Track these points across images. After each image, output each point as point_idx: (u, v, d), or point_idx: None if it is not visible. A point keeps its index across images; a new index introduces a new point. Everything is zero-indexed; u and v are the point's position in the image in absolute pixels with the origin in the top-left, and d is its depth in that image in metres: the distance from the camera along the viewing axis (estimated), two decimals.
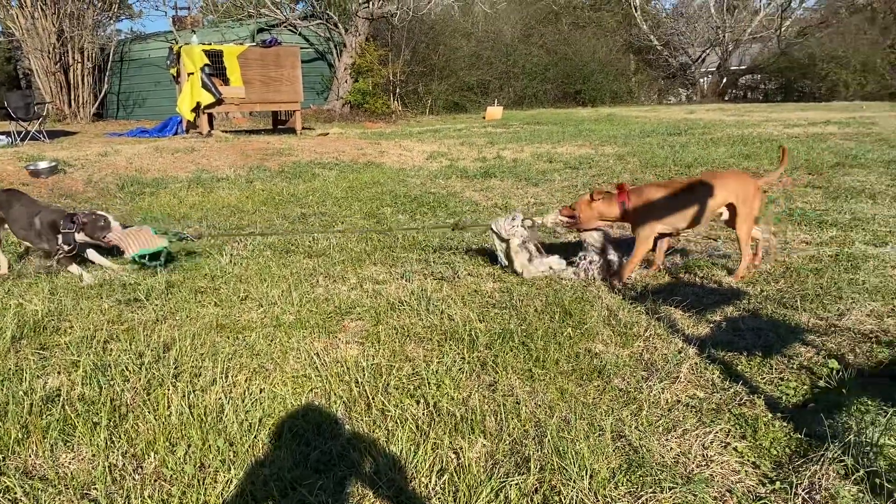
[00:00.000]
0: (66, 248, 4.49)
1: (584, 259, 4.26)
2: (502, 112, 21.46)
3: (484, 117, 21.11)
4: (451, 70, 25.44)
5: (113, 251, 4.66)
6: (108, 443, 2.37)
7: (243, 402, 2.63)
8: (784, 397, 2.60)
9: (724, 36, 33.29)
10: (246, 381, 2.81)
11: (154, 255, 4.54)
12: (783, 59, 31.02)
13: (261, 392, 2.71)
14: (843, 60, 27.43)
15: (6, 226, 4.77)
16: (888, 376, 2.71)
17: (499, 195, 7.38)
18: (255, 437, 2.39)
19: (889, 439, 2.21)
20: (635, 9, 33.33)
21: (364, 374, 2.83)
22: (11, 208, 4.68)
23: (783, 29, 32.48)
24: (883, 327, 3.24)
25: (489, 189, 7.81)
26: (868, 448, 2.14)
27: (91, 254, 4.68)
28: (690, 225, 4.11)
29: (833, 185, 6.95)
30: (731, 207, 4.01)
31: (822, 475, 2.06)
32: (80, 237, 4.52)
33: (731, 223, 4.08)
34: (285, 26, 22.87)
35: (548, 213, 4.57)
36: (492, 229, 4.39)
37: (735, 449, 2.28)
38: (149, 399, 2.67)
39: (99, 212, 4.65)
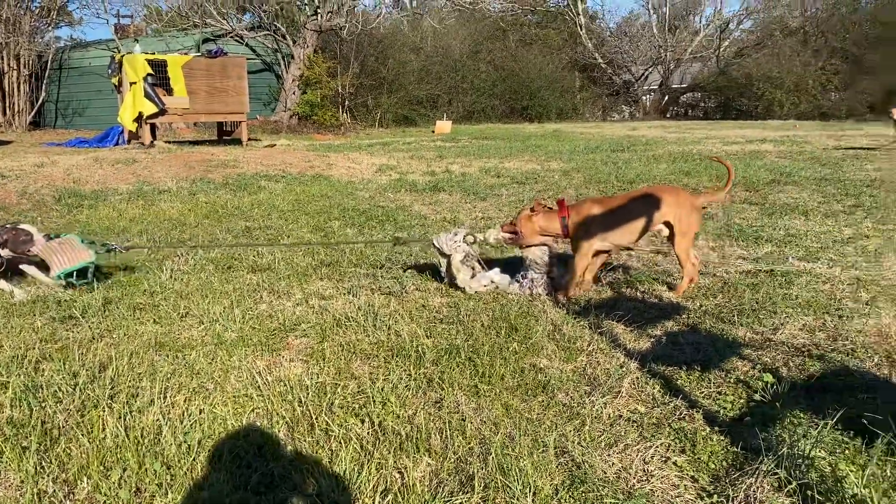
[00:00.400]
0: None
1: (528, 275, 4.30)
2: (451, 126, 21.60)
3: (433, 131, 21.21)
4: (401, 84, 25.52)
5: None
6: (38, 468, 2.28)
7: (182, 423, 2.56)
8: (721, 411, 2.67)
9: (665, 55, 34.28)
10: (185, 401, 2.74)
11: (82, 271, 4.39)
12: (722, 78, 32.15)
13: (200, 413, 2.64)
14: (777, 81, 28.56)
15: None
16: (820, 389, 2.80)
17: (447, 209, 7.40)
18: (193, 459, 2.33)
19: (820, 452, 2.29)
20: (580, 27, 34.06)
21: (308, 393, 2.79)
22: None
23: (722, 49, 33.66)
24: (814, 341, 3.36)
25: (438, 203, 7.84)
26: (800, 461, 2.21)
27: (28, 269, 4.49)
28: (629, 241, 4.19)
29: (768, 202, 7.19)
30: (669, 225, 4.09)
31: (757, 488, 2.11)
32: (4, 253, 4.33)
33: (670, 240, 4.17)
34: (232, 37, 22.60)
35: (490, 228, 4.61)
36: (434, 245, 4.41)
37: (675, 463, 2.32)
38: (83, 421, 2.57)
39: (22, 225, 4.45)
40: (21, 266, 4.49)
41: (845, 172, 9.32)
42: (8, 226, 4.46)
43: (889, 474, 2.18)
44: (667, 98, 35.41)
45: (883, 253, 4.98)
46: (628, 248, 4.54)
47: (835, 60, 29.11)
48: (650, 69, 35.93)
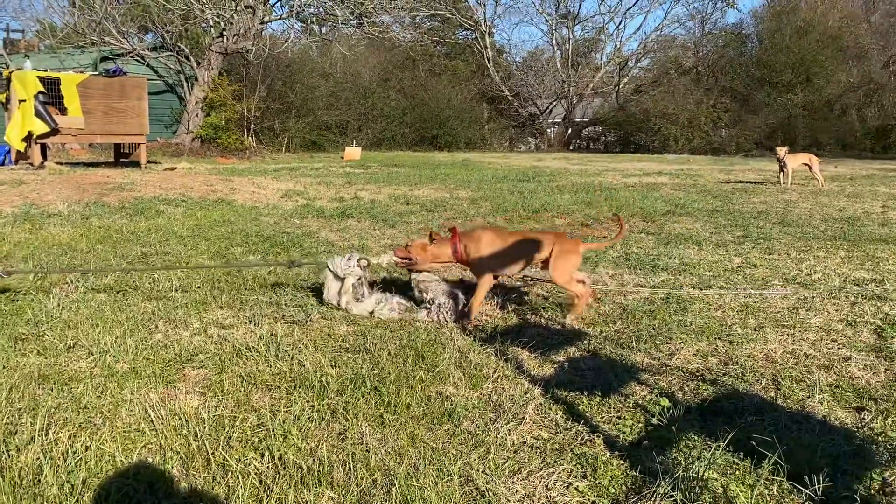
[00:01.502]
0: None
1: (437, 301, 4.32)
2: (361, 153, 21.57)
3: (342, 157, 21.10)
4: (309, 109, 25.33)
5: None
6: None
7: (65, 461, 2.39)
8: (621, 435, 2.73)
9: (569, 90, 35.61)
10: (70, 437, 2.56)
11: None
12: (621, 113, 33.68)
13: (86, 450, 2.48)
14: (672, 117, 30.16)
15: None
16: (712, 412, 2.92)
17: (356, 236, 7.34)
18: (76, 500, 2.17)
19: (713, 473, 2.37)
20: (488, 60, 34.93)
21: (204, 427, 2.67)
22: None
23: (621, 86, 35.29)
24: (707, 366, 3.51)
25: (346, 229, 7.77)
26: (695, 482, 2.28)
27: None
28: (516, 270, 4.47)
29: (664, 232, 7.52)
30: (547, 262, 4.37)
31: None
32: None
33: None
34: (132, 56, 21.86)
35: (384, 253, 4.70)
36: (328, 268, 4.43)
37: (577, 489, 2.35)
38: None
39: None
40: None
41: (734, 204, 9.89)
42: None
43: (775, 493, 2.28)
44: (570, 131, 36.71)
45: (769, 281, 5.28)
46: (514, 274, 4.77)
47: (725, 99, 31.09)
48: (554, 103, 37.20)
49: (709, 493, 2.26)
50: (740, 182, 13.58)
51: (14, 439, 2.54)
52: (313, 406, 2.93)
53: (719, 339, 3.91)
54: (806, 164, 12.76)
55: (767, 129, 29.71)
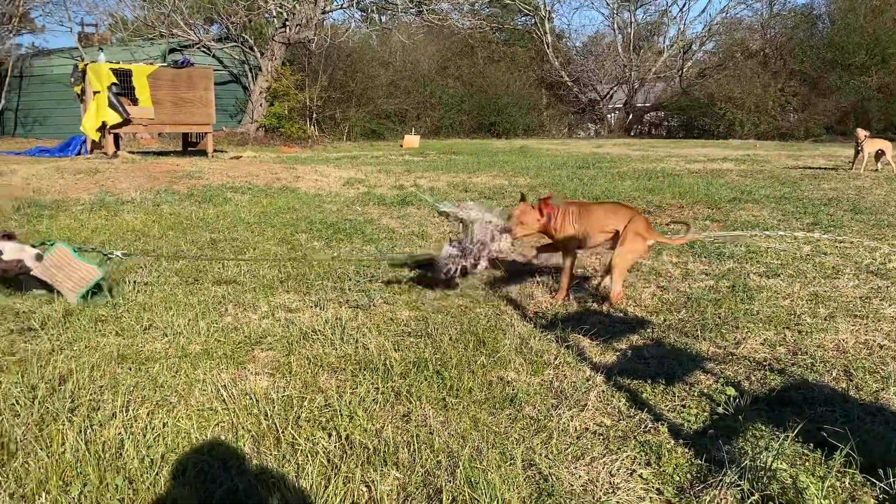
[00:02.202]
0: None
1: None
2: (419, 141, 21.66)
3: (401, 145, 21.24)
4: (369, 97, 25.54)
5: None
6: None
7: (145, 437, 2.52)
8: (686, 424, 2.71)
9: (630, 74, 34.89)
10: (148, 414, 2.69)
11: (95, 288, 4.28)
12: (684, 98, 32.81)
13: (164, 426, 2.60)
14: (738, 101, 29.22)
15: None
16: (780, 402, 2.86)
17: (415, 223, 7.41)
18: (156, 474, 2.28)
19: (781, 464, 2.33)
20: (547, 46, 34.52)
21: (274, 407, 2.77)
22: None
23: (685, 70, 34.38)
24: (775, 355, 3.43)
25: (406, 217, 7.84)
26: (762, 472, 2.25)
27: None
28: (599, 242, 4.51)
29: (730, 220, 7.34)
30: (616, 237, 4.36)
31: (721, 499, 2.15)
32: None
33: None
34: (199, 48, 22.43)
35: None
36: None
37: (640, 476, 2.34)
38: (41, 435, 2.51)
39: (6, 253, 4.19)
40: None
41: (803, 191, 9.57)
42: None
43: (847, 485, 2.23)
44: (631, 116, 36.00)
45: (840, 270, 5.11)
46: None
47: (793, 82, 29.94)
48: (615, 88, 36.53)
49: (777, 483, 2.23)
50: (809, 168, 13.11)
51: (97, 415, 2.68)
52: (378, 388, 2.99)
53: (788, 328, 3.81)
54: (882, 151, 12.22)
55: (839, 114, 28.53)
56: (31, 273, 4.25)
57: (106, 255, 4.70)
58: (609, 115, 36.77)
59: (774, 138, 26.62)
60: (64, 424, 2.57)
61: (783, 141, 24.82)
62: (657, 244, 4.69)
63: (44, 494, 2.17)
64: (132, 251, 5.78)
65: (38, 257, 4.24)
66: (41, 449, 2.41)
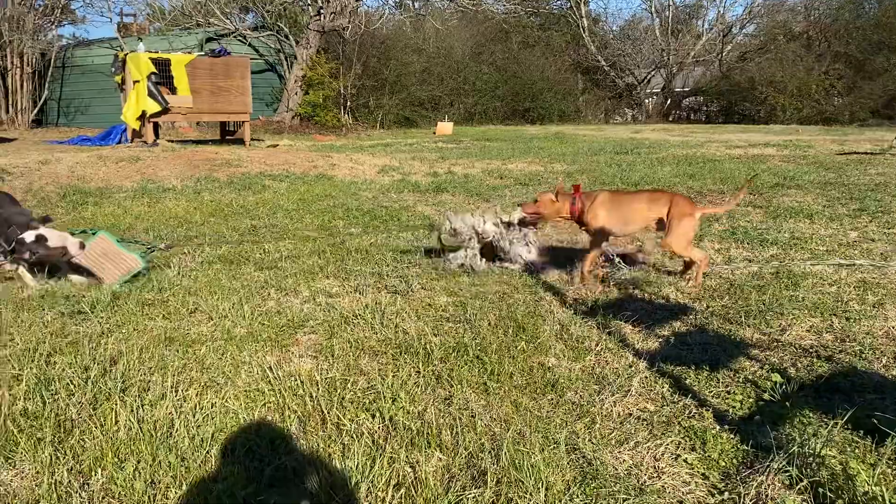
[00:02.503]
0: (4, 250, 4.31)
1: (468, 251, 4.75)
2: (453, 128, 21.62)
3: (434, 132, 21.23)
4: (403, 85, 25.52)
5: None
6: (53, 459, 2.29)
7: (194, 416, 2.57)
8: (731, 410, 2.68)
9: (668, 58, 34.29)
10: (197, 395, 2.75)
11: (135, 277, 4.40)
12: (724, 82, 32.12)
13: (212, 407, 2.66)
14: (780, 85, 28.53)
15: None
16: (828, 390, 2.81)
17: (451, 209, 7.41)
18: (206, 452, 2.34)
19: (830, 451, 2.30)
20: (583, 30, 34.09)
21: (318, 389, 2.81)
22: None
23: (724, 53, 33.67)
24: (822, 342, 3.37)
25: (441, 204, 7.85)
26: (811, 459, 2.22)
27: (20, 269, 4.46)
28: (629, 231, 4.58)
29: (773, 205, 7.20)
30: (661, 223, 4.38)
31: (769, 485, 2.13)
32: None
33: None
34: (235, 36, 22.62)
35: (514, 210, 4.93)
36: (475, 230, 4.76)
37: (685, 461, 2.33)
38: (95, 414, 2.59)
39: (51, 239, 4.30)
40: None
41: (849, 176, 9.34)
42: (34, 239, 4.28)
43: None
44: (669, 101, 35.43)
45: (888, 256, 4.99)
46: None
47: (838, 65, 29.11)
48: (653, 72, 35.94)
49: (826, 470, 2.20)
50: (855, 153, 12.78)
51: (147, 395, 2.75)
52: (419, 371, 3.02)
53: (834, 315, 3.74)
54: None
55: (886, 97, 27.67)
56: (74, 260, 4.36)
57: (149, 247, 4.81)
58: (646, 101, 36.23)
59: (818, 123, 25.97)
60: (116, 404, 2.64)
61: (827, 126, 24.21)
62: (704, 216, 4.73)
63: (99, 470, 2.23)
64: (175, 238, 5.89)
65: (81, 245, 4.36)
66: (95, 427, 2.49)
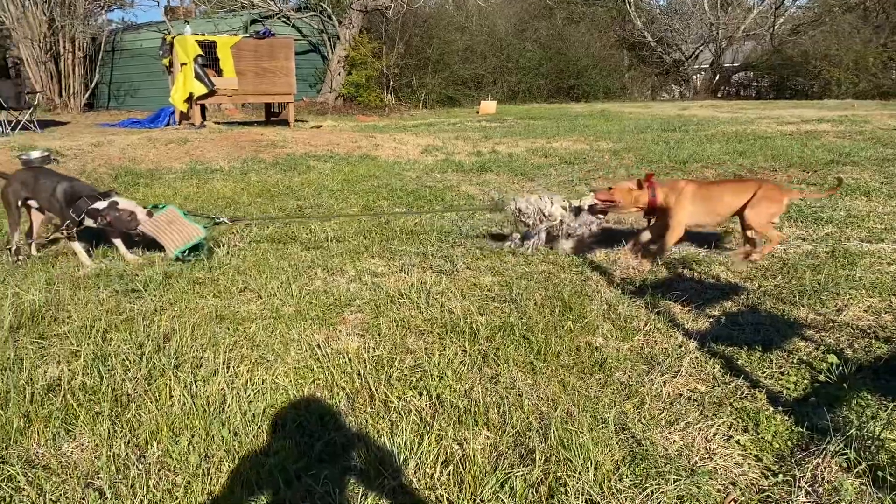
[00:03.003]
0: (74, 221, 4.46)
1: (534, 235, 4.69)
2: (496, 106, 21.44)
3: (478, 111, 21.09)
4: (445, 64, 25.37)
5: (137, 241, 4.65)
6: (111, 432, 2.36)
7: (245, 392, 2.63)
8: (785, 391, 2.62)
9: (717, 33, 33.37)
10: (248, 371, 2.80)
11: (194, 247, 4.51)
12: (776, 56, 31.11)
13: (263, 383, 2.70)
14: (835, 58, 27.53)
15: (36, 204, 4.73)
16: (888, 371, 2.73)
17: (495, 189, 7.37)
18: (258, 427, 2.39)
19: (890, 433, 2.23)
20: (629, 4, 33.34)
21: (366, 366, 2.83)
22: (37, 182, 4.63)
23: (776, 26, 32.59)
24: (880, 323, 3.27)
25: (485, 183, 7.81)
26: (870, 441, 2.16)
27: (117, 242, 4.65)
28: (714, 223, 4.48)
29: (827, 183, 6.98)
30: (744, 208, 4.28)
31: (825, 468, 2.08)
32: (93, 222, 4.45)
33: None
34: (278, 18, 22.76)
35: (584, 196, 4.86)
36: (541, 210, 4.65)
37: (738, 442, 2.29)
38: (150, 389, 2.66)
39: (122, 204, 4.45)
40: (112, 238, 4.66)
41: None
42: (107, 204, 4.45)
43: None
44: (718, 77, 34.51)
45: None
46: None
47: None
48: (701, 48, 35.01)
49: (886, 453, 2.13)
50: None
51: (200, 371, 2.81)
52: (465, 350, 3.02)
53: (893, 295, 3.62)
54: None
55: None
56: (139, 228, 4.48)
57: (214, 220, 4.91)
58: (694, 77, 35.36)
59: (875, 97, 25.01)
60: (170, 380, 2.70)
61: (885, 100, 23.31)
62: (791, 202, 4.58)
63: (155, 444, 2.30)
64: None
65: (149, 214, 4.49)
66: (151, 402, 2.56)
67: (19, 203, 4.69)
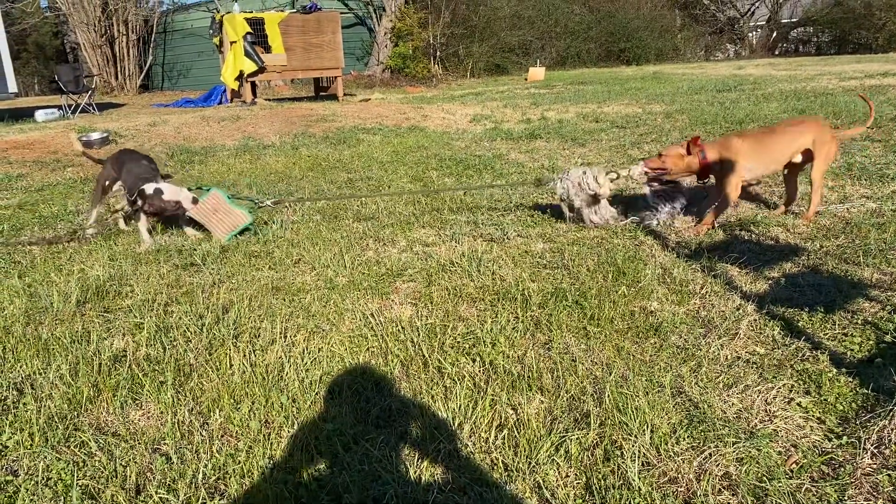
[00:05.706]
0: (129, 202, 4.62)
1: (663, 208, 4.53)
2: (545, 73, 21.11)
3: (526, 79, 20.81)
4: (492, 31, 25.03)
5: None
6: (175, 400, 2.45)
7: (302, 360, 2.68)
8: (848, 353, 2.55)
9: None
10: (304, 340, 2.86)
11: (242, 231, 4.62)
12: (837, 9, 29.71)
13: (319, 351, 2.76)
14: None
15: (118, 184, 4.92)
16: None
17: (545, 156, 7.29)
18: (315, 394, 2.44)
19: None
20: None
21: (419, 334, 2.86)
22: (122, 165, 4.81)
23: None
24: None
25: (535, 150, 7.73)
26: None
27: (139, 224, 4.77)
28: (774, 170, 4.38)
29: (893, 139, 6.68)
30: (807, 153, 4.18)
31: (892, 430, 2.02)
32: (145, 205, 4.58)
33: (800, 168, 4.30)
34: None
35: (633, 165, 4.63)
36: (580, 186, 4.48)
37: (799, 404, 2.24)
38: (211, 359, 2.74)
39: (166, 193, 4.51)
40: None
41: None
42: (152, 191, 4.51)
43: None
44: (775, 34, 33.21)
45: None
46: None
47: None
48: (757, 4, 33.69)
49: None
50: None
51: (258, 341, 2.88)
52: (517, 317, 3.02)
53: None
54: None
55: None
56: (187, 214, 4.60)
57: (257, 203, 4.99)
58: (750, 34, 34.11)
59: None
60: (230, 350, 2.78)
61: None
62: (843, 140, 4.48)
63: (217, 411, 2.37)
64: (276, 193, 6.08)
65: (195, 200, 4.57)
66: (212, 371, 2.64)
67: (107, 184, 4.89)
